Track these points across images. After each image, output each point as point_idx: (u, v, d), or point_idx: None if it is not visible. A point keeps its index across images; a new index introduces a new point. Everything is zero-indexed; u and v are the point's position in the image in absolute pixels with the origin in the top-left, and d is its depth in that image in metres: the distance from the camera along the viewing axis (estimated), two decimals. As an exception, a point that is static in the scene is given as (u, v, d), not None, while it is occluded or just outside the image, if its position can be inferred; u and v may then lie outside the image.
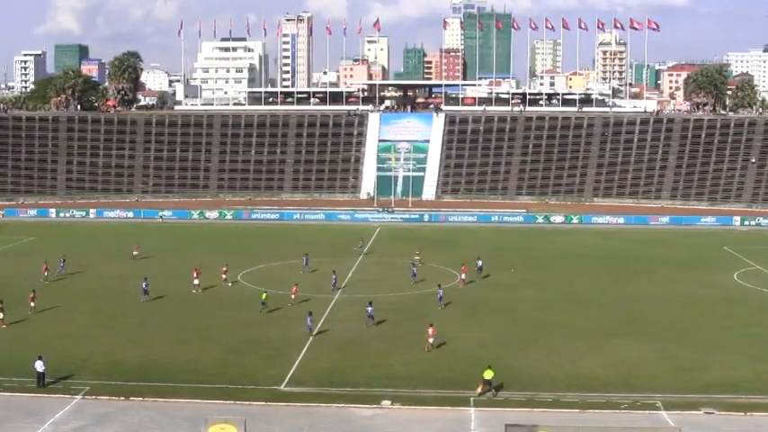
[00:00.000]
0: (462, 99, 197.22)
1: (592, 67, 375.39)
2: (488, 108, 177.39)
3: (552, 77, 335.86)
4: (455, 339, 63.79)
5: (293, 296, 75.49)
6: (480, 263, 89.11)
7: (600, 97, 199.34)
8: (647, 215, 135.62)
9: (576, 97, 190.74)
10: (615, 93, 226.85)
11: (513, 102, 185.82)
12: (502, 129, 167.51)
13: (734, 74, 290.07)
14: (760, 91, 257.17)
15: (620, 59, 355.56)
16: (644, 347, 63.21)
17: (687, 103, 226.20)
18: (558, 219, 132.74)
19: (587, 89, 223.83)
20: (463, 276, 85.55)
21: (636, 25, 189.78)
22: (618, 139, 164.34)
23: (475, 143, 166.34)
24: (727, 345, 64.47)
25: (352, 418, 48.88)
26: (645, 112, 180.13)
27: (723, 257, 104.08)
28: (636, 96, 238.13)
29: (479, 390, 52.03)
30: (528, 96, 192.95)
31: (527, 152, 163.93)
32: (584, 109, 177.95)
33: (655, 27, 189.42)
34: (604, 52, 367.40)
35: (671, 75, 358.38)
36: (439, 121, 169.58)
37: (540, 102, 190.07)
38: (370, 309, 68.31)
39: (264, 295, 74.00)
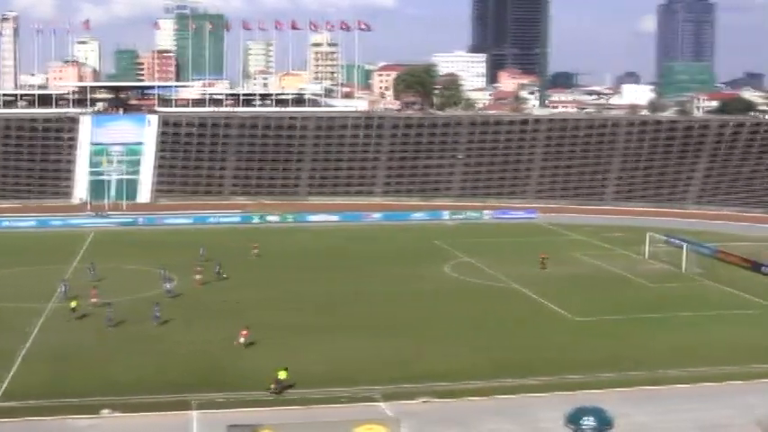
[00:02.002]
0: (176, 100, 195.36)
1: (305, 68, 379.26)
2: (202, 109, 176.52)
3: (266, 78, 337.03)
4: (178, 342, 63.33)
5: (94, 300, 74.45)
6: (218, 267, 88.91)
7: (313, 97, 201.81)
8: (360, 212, 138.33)
9: (290, 97, 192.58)
10: (328, 93, 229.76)
11: (228, 102, 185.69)
12: (216, 130, 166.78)
13: (440, 74, 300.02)
14: (465, 90, 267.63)
15: (332, 60, 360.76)
16: (363, 341, 64.83)
17: (397, 102, 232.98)
18: (273, 218, 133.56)
19: (300, 89, 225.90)
20: (198, 277, 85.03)
21: (346, 26, 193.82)
22: (331, 137, 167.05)
23: (189, 144, 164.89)
24: (441, 335, 67.14)
25: (69, 429, 47.66)
26: (357, 111, 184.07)
27: (434, 251, 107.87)
28: (348, 96, 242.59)
29: (273, 386, 52.90)
30: (242, 97, 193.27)
31: (242, 153, 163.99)
32: (298, 109, 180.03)
33: (365, 28, 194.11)
34: (317, 53, 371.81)
35: (381, 75, 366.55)
36: (152, 123, 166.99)
37: (254, 102, 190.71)
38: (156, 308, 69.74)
39: (74, 303, 72.04)
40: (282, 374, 53.18)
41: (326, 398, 51.97)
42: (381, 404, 51.14)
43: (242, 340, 62.62)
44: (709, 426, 49.38)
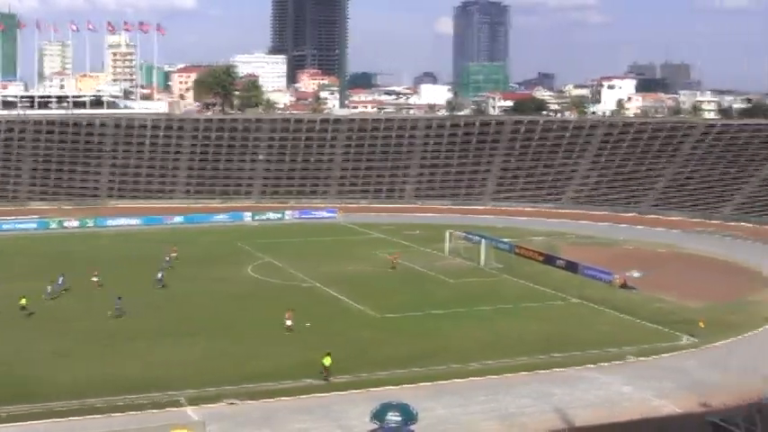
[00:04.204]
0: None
1: (102, 69, 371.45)
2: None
3: (62, 79, 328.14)
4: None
5: None
6: (61, 279, 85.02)
7: (111, 99, 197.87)
8: (161, 215, 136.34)
9: (87, 99, 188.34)
10: (127, 94, 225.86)
11: (22, 105, 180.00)
12: (10, 134, 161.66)
13: (241, 75, 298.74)
14: (265, 91, 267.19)
15: (131, 61, 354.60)
16: (167, 346, 64.31)
17: (197, 103, 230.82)
18: (73, 223, 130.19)
19: (98, 91, 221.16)
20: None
21: (145, 27, 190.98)
22: (131, 140, 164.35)
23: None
24: (245, 336, 67.29)
25: None
26: (156, 112, 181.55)
27: (237, 252, 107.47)
28: (147, 98, 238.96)
29: (322, 374, 56.14)
30: (37, 99, 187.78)
31: (39, 156, 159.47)
32: (96, 111, 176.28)
33: (162, 31, 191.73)
34: (114, 54, 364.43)
35: (181, 76, 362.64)
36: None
37: (51, 104, 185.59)
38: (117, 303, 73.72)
39: (24, 300, 73.83)
40: (327, 360, 56.22)
41: (130, 405, 51.27)
42: (187, 408, 50.86)
43: (288, 323, 68.37)
44: (509, 415, 51.11)
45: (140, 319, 72.87)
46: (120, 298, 74.55)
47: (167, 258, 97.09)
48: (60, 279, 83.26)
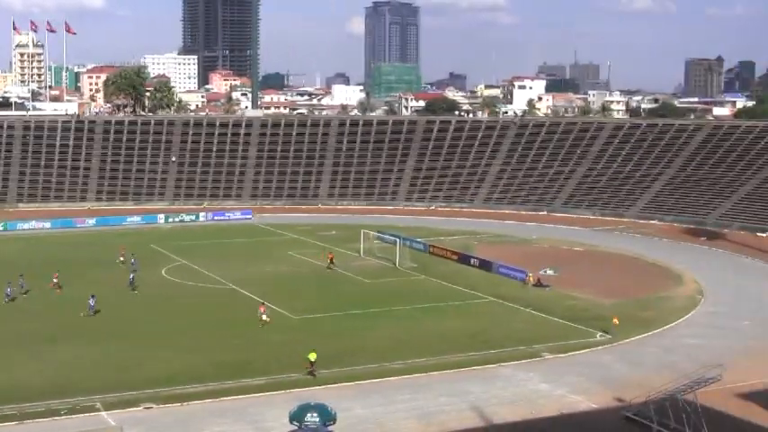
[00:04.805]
0: None
1: (9, 70, 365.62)
2: None
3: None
4: None
5: None
6: (20, 282, 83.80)
7: (19, 100, 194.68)
8: (72, 218, 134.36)
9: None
10: (35, 95, 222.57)
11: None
12: None
13: (152, 75, 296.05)
14: (177, 92, 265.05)
15: (39, 62, 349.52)
16: (81, 350, 63.43)
17: (108, 104, 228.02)
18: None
19: (5, 92, 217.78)
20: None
21: (51, 28, 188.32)
22: (40, 142, 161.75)
23: None
24: (160, 339, 66.60)
25: None
26: (66, 114, 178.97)
27: (151, 255, 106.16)
28: (56, 99, 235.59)
29: (308, 369, 57.25)
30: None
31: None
32: (4, 113, 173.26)
33: (72, 31, 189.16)
34: (22, 54, 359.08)
35: (90, 77, 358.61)
36: None
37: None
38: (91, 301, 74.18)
39: None
40: (313, 356, 57.35)
41: (45, 411, 50.49)
42: (103, 413, 50.26)
43: (265, 317, 70.71)
44: (427, 414, 51.38)
45: (43, 324, 71.76)
46: (93, 296, 74.75)
47: (132, 260, 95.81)
48: (20, 281, 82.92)
